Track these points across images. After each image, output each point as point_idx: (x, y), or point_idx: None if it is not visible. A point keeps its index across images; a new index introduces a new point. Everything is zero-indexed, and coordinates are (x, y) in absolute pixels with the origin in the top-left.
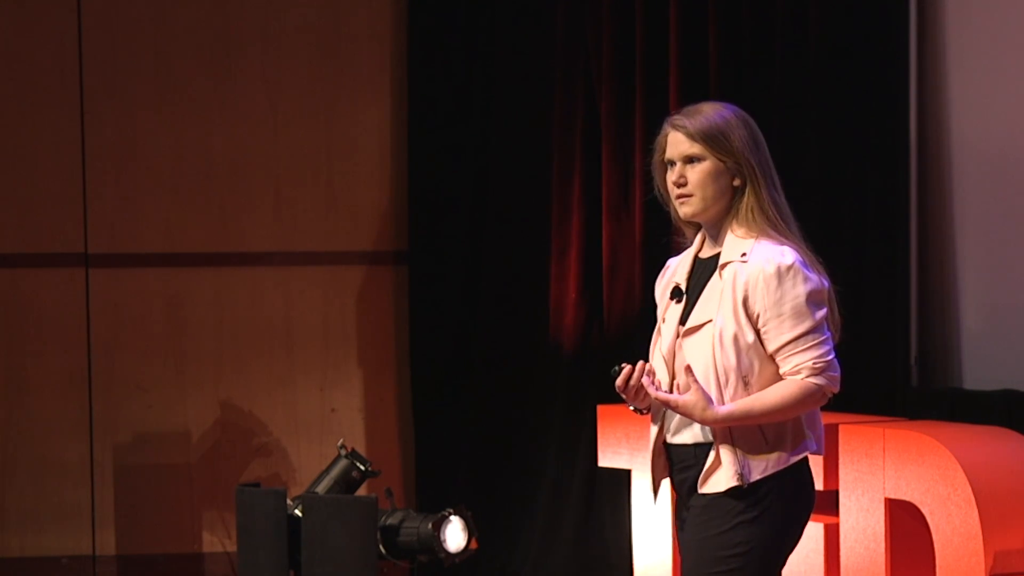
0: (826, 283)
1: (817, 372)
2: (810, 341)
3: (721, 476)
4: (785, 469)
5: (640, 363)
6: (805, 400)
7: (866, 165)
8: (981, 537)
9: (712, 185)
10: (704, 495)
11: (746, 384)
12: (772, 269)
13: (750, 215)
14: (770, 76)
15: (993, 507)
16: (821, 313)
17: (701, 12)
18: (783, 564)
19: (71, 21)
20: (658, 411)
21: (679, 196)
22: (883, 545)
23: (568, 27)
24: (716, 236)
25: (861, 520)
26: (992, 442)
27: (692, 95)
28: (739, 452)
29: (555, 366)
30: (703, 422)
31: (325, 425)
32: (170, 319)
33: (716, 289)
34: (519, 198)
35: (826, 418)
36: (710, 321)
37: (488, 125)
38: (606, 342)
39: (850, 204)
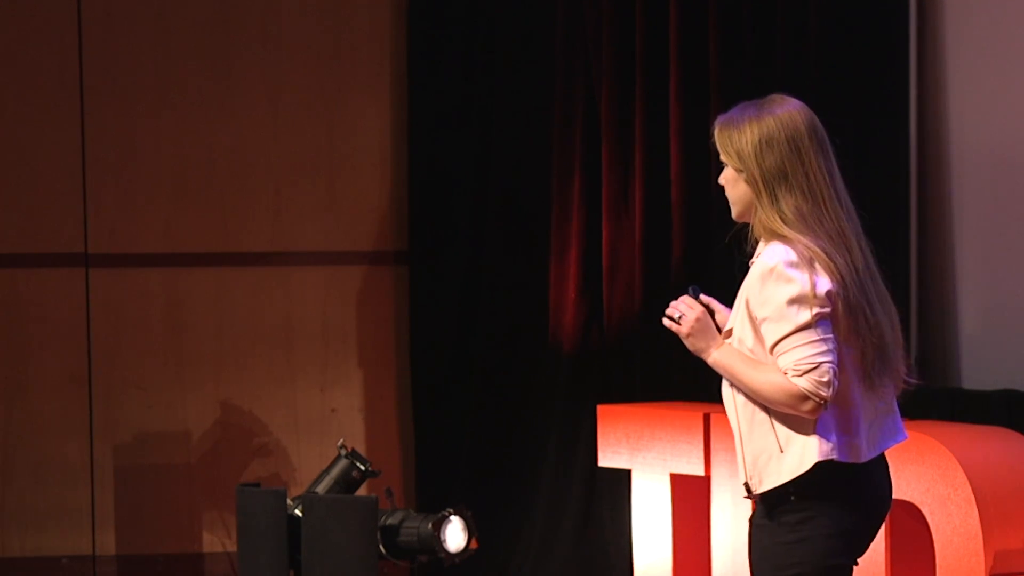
0: (823, 284)
1: (799, 374)
2: (793, 343)
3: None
4: (818, 478)
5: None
6: (785, 396)
7: (866, 165)
8: (981, 537)
9: (733, 190)
10: (758, 503)
11: None
12: (758, 272)
13: (763, 219)
14: (770, 76)
15: (993, 507)
16: (807, 315)
17: (701, 12)
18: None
19: (71, 21)
20: None
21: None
22: (883, 545)
23: (568, 27)
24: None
25: None
26: (992, 442)
27: (692, 95)
28: (750, 459)
29: (555, 366)
30: (696, 350)
31: (325, 425)
32: (170, 319)
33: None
34: (519, 198)
35: None
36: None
37: (488, 125)
38: (606, 342)
39: None
